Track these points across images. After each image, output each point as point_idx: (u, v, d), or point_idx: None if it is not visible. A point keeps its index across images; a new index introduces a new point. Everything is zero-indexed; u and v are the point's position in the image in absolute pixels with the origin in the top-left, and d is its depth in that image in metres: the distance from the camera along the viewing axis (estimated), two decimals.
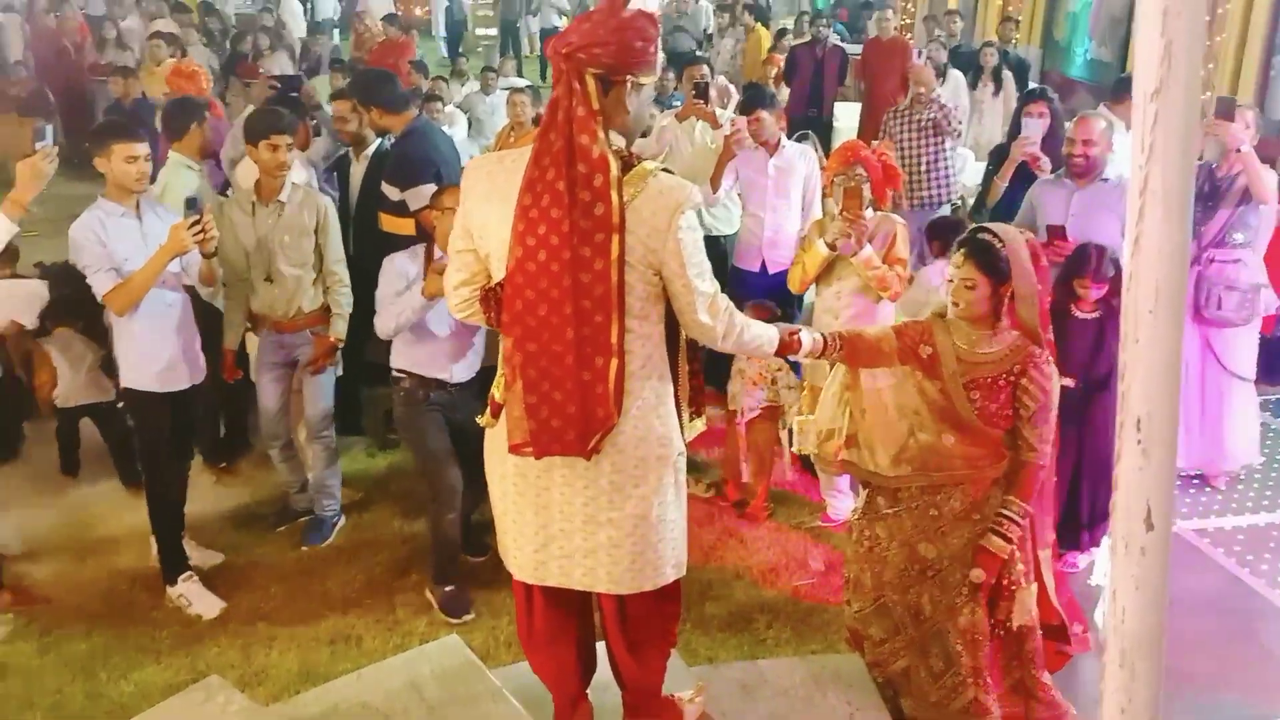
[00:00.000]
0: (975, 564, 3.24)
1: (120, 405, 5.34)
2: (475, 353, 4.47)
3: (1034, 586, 3.26)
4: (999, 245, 3.16)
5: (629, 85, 2.51)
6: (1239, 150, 4.79)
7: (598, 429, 2.53)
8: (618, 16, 2.45)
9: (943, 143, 6.97)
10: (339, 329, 4.79)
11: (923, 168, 6.97)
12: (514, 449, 2.60)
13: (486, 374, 4.62)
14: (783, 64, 10.44)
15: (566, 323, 2.47)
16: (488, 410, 2.73)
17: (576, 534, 2.69)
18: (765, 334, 2.88)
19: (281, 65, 10.64)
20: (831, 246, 4.46)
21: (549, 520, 2.69)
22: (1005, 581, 3.30)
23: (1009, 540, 3.19)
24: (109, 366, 5.31)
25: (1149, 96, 1.14)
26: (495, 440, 2.74)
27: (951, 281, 3.24)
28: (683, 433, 2.79)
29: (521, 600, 2.91)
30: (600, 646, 3.05)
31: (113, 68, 10.54)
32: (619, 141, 2.56)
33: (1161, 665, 1.26)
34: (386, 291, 4.30)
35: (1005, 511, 3.19)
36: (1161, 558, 1.23)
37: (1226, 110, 4.82)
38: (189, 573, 4.48)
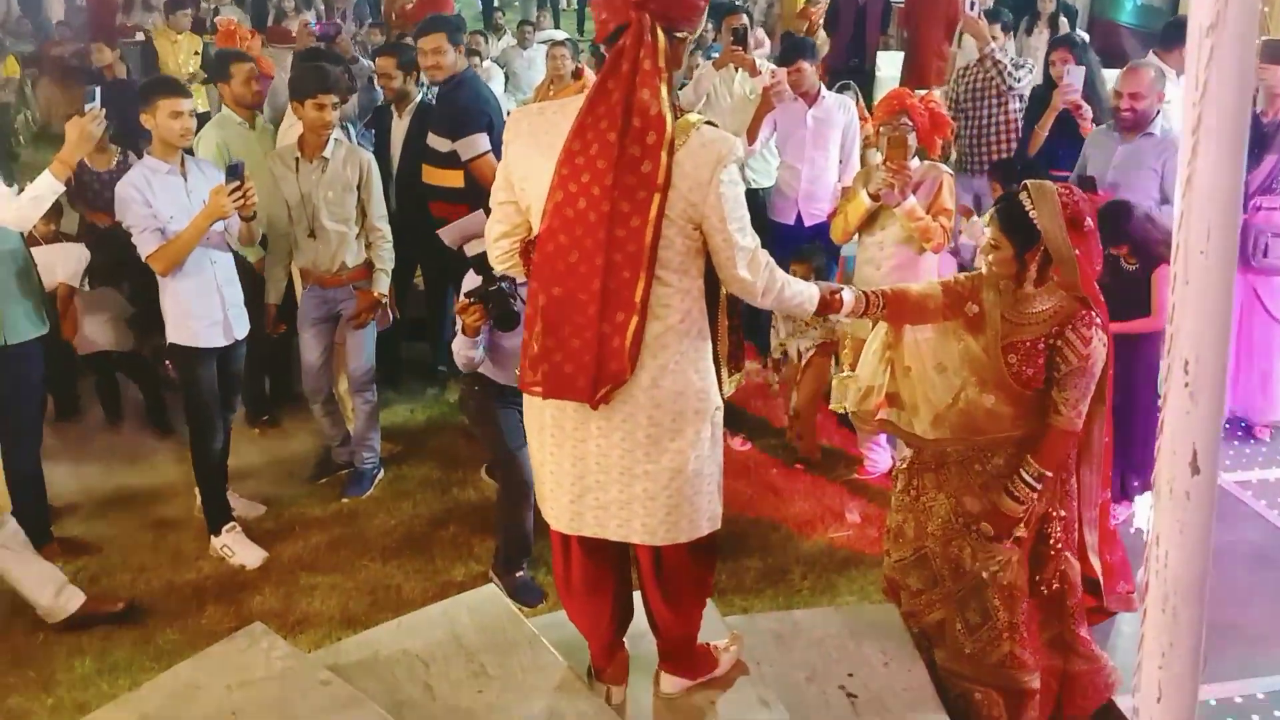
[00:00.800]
0: (986, 520, 3.22)
1: (147, 357, 5.45)
2: None
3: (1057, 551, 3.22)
4: (1028, 207, 3.09)
5: (685, 40, 2.51)
6: None
7: (608, 381, 2.52)
8: None
9: (1005, 99, 6.43)
10: (382, 284, 4.82)
11: (991, 128, 6.48)
12: (524, 386, 2.62)
13: None
14: (823, 13, 10.25)
15: (595, 273, 2.46)
16: (524, 361, 2.73)
17: (613, 485, 2.69)
18: (806, 291, 2.85)
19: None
20: (874, 197, 4.41)
21: (585, 471, 2.70)
22: (1050, 542, 3.27)
23: (1020, 501, 3.14)
24: (140, 322, 5.40)
25: (1204, 31, 1.10)
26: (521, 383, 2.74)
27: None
28: (721, 388, 2.77)
29: (559, 549, 2.92)
30: (637, 596, 3.06)
31: (136, 29, 10.52)
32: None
33: (1204, 611, 1.24)
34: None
35: (1021, 472, 3.14)
36: (1206, 502, 1.21)
37: (1274, 54, 4.69)
38: (233, 523, 4.57)
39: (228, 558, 4.49)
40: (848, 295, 3.06)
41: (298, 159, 4.65)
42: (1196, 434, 1.18)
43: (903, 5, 10.45)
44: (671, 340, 2.57)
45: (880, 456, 5.05)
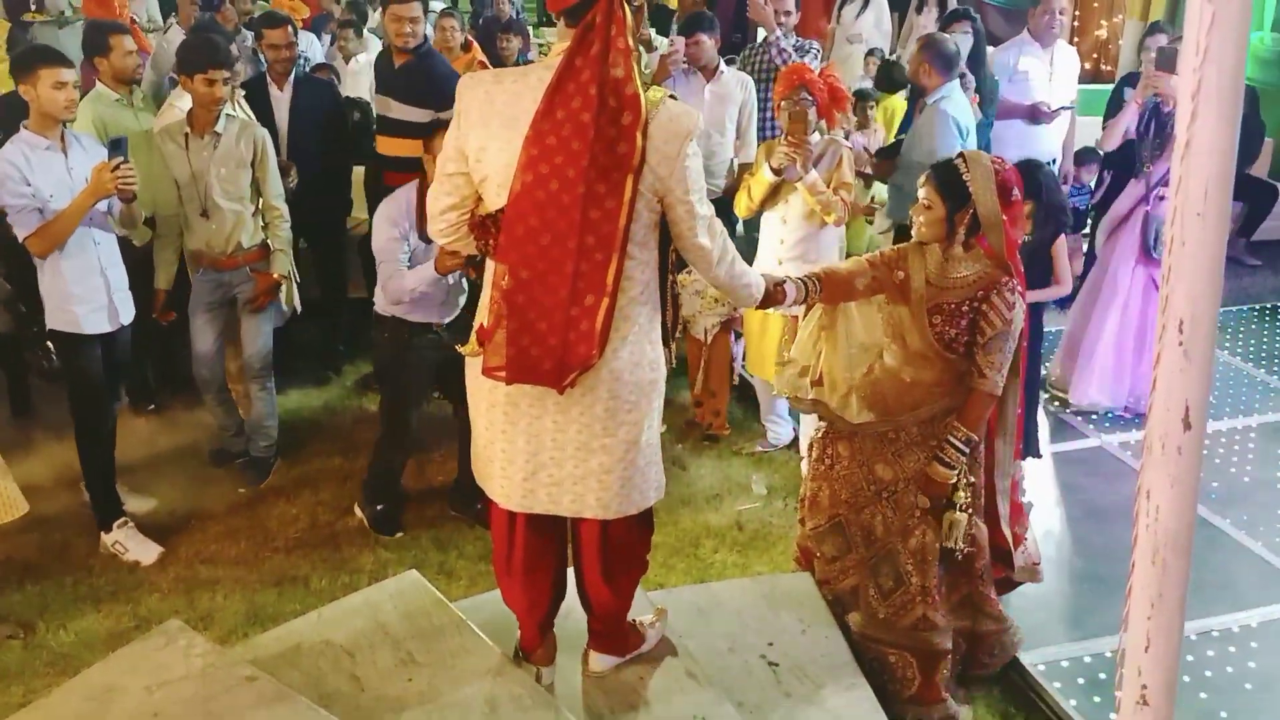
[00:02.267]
0: (919, 489, 3.31)
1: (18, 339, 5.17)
2: (461, 292, 4.39)
3: (965, 515, 3.30)
4: (962, 171, 3.19)
5: (641, 9, 2.49)
6: (1170, 109, 4.84)
7: (575, 365, 2.50)
8: None
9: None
10: (280, 265, 4.66)
11: (770, 111, 6.58)
12: (487, 372, 2.56)
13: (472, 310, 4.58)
14: None
15: (568, 256, 2.43)
16: (474, 337, 2.67)
17: (568, 461, 2.68)
18: (754, 276, 2.90)
19: None
20: (776, 171, 4.44)
21: (540, 448, 2.68)
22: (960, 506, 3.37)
23: (951, 467, 3.24)
24: (16, 304, 5.09)
25: None
26: (481, 367, 2.69)
27: (917, 200, 3.29)
28: (669, 357, 2.79)
29: (503, 528, 2.89)
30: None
31: None
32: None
33: (1189, 562, 1.29)
34: (385, 256, 4.12)
35: (950, 438, 3.23)
36: (1195, 457, 1.26)
37: (1168, 62, 4.84)
38: (123, 519, 4.38)
39: (120, 555, 4.29)
40: (790, 288, 3.14)
41: (187, 135, 4.43)
42: (1190, 391, 1.23)
43: None
44: (632, 312, 2.57)
45: (782, 428, 5.13)
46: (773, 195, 4.57)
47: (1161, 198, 5.11)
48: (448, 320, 4.36)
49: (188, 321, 4.72)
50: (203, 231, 4.52)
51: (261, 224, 4.63)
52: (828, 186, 4.46)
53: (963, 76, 5.01)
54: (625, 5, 2.40)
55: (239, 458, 4.96)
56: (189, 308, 4.67)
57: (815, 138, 4.46)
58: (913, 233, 3.35)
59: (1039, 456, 4.70)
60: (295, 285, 5.09)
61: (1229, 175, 1.18)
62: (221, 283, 4.63)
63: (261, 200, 4.60)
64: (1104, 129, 5.50)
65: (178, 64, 4.49)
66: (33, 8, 9.33)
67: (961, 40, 5.19)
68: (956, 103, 4.91)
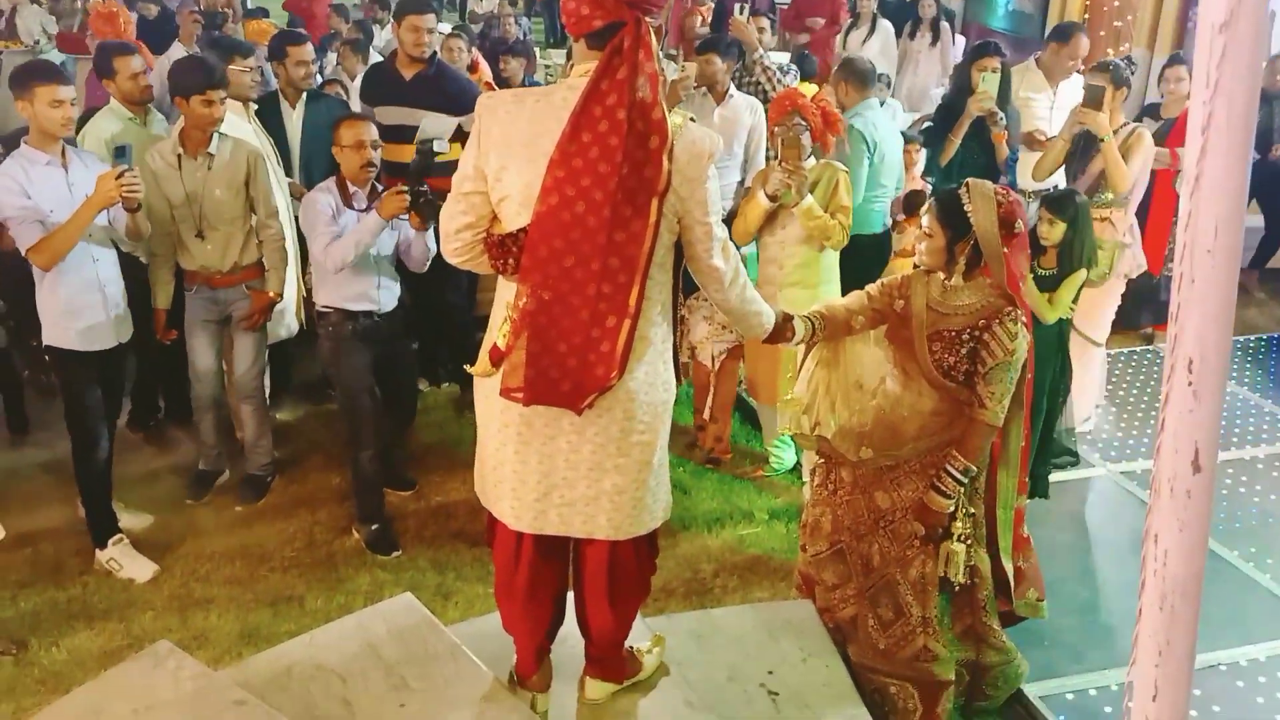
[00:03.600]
0: (915, 518, 3.27)
1: (11, 353, 5.17)
2: (395, 280, 4.46)
3: (963, 546, 3.25)
4: (965, 201, 3.17)
5: (659, 29, 2.48)
6: (1102, 141, 4.89)
7: (594, 388, 2.49)
8: None
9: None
10: (275, 283, 4.64)
11: None
12: (505, 393, 2.54)
13: (414, 306, 4.61)
14: (710, 13, 10.31)
15: (591, 278, 2.42)
16: (485, 357, 2.64)
17: (580, 482, 2.66)
18: (764, 305, 2.91)
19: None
20: (772, 197, 4.42)
21: (553, 469, 2.65)
22: (958, 537, 3.32)
23: (948, 496, 3.20)
24: (11, 320, 5.10)
25: (1216, 29, 1.10)
26: (494, 388, 2.66)
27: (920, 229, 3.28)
28: (678, 376, 2.79)
29: (509, 550, 2.85)
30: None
31: None
32: None
33: (1198, 609, 1.26)
34: (319, 226, 4.20)
35: (948, 467, 3.19)
36: (1205, 500, 1.22)
37: (1095, 99, 4.90)
38: (119, 535, 4.34)
39: (115, 571, 4.25)
40: (798, 325, 3.16)
41: (180, 155, 4.39)
42: (1199, 432, 1.19)
43: (787, 7, 10.61)
44: (649, 333, 2.57)
45: (785, 453, 5.09)
46: (769, 221, 4.55)
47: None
48: (387, 310, 4.43)
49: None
50: (199, 252, 4.49)
51: (256, 241, 4.60)
52: (825, 210, 4.43)
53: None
54: (648, 29, 2.39)
55: (216, 476, 4.92)
56: (185, 325, 4.64)
57: (810, 162, 4.44)
58: (914, 260, 3.33)
59: (1045, 497, 4.65)
60: (302, 302, 5.09)
61: (1240, 211, 1.15)
62: (217, 300, 4.60)
63: (256, 218, 4.57)
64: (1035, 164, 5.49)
65: (172, 85, 4.42)
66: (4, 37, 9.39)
67: (991, 79, 5.17)
68: (869, 120, 5.03)
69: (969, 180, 3.24)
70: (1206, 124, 1.12)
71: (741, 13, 7.20)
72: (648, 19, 2.41)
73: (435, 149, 4.31)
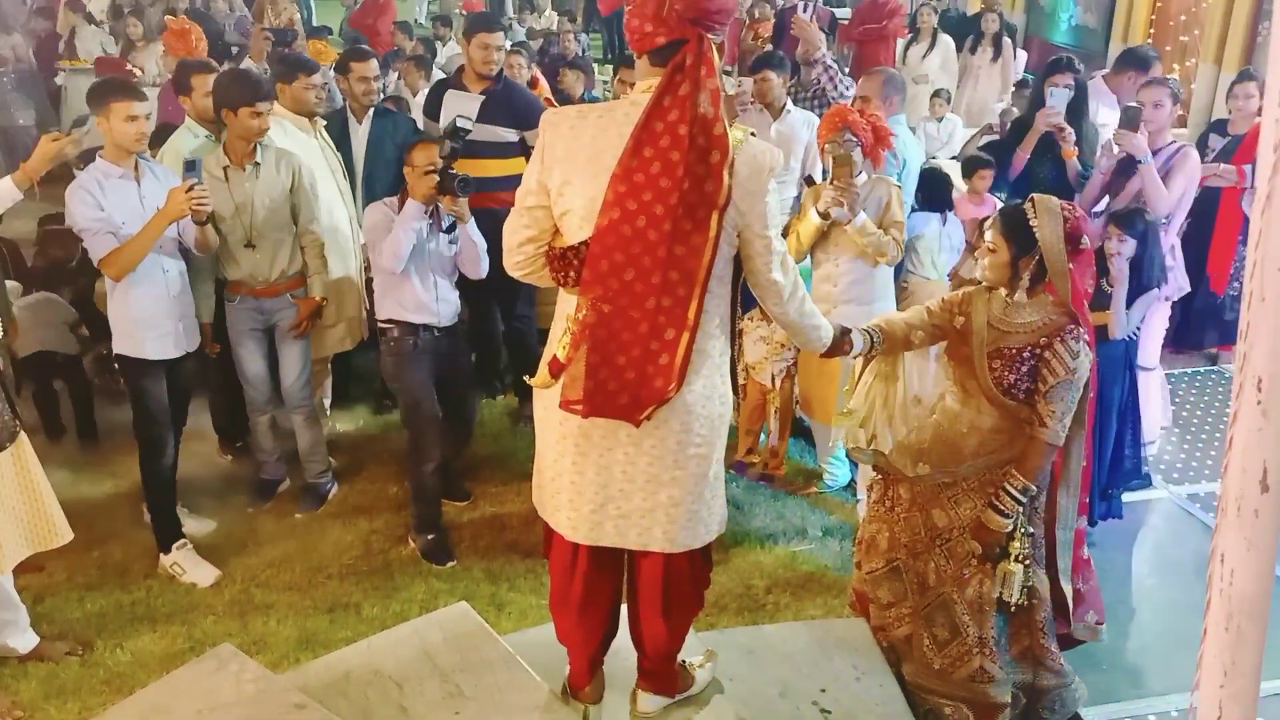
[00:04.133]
0: (973, 536, 3.24)
1: (82, 361, 5.28)
2: (454, 294, 4.52)
3: (1021, 566, 3.22)
4: (1030, 216, 3.15)
5: (721, 46, 2.50)
6: (1140, 163, 4.78)
7: (652, 400, 2.51)
8: None
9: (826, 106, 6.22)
10: (318, 288, 4.72)
11: None
12: (564, 404, 2.56)
13: (472, 318, 4.68)
14: (770, 28, 10.33)
15: (651, 291, 2.45)
16: (545, 369, 2.67)
17: (637, 494, 2.68)
18: (823, 319, 2.91)
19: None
20: (824, 215, 4.41)
21: (609, 480, 2.67)
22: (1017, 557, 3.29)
23: (1006, 515, 3.17)
24: (83, 327, 5.23)
25: None
26: (553, 399, 2.69)
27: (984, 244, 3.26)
28: (735, 390, 2.80)
29: (565, 561, 2.88)
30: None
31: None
32: None
33: (1265, 629, 1.24)
34: (378, 233, 4.30)
35: (1006, 485, 3.17)
36: (1274, 520, 1.21)
37: (1131, 120, 4.83)
38: (183, 540, 4.43)
39: (178, 576, 4.35)
40: (857, 338, 3.15)
41: (226, 168, 4.47)
42: (1268, 451, 1.18)
43: (847, 22, 10.58)
44: (707, 346, 2.58)
45: (839, 470, 5.07)
46: (823, 238, 4.54)
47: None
48: (448, 325, 4.49)
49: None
50: (248, 262, 4.56)
51: (300, 248, 4.67)
52: (878, 226, 4.42)
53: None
54: (710, 45, 2.41)
55: (278, 483, 5.01)
56: (230, 337, 4.69)
57: (862, 178, 4.43)
58: (977, 274, 3.31)
59: (1119, 518, 4.58)
60: (365, 314, 5.16)
61: None
62: (263, 310, 4.66)
63: (298, 226, 4.64)
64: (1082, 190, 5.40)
65: (220, 97, 4.47)
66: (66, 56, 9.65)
67: (1059, 94, 5.13)
68: (897, 135, 4.96)
69: (1034, 195, 3.22)
70: (1279, 141, 1.11)
71: (805, 10, 7.17)
72: (710, 35, 2.43)
73: (461, 127, 4.38)
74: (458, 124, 4.48)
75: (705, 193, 2.41)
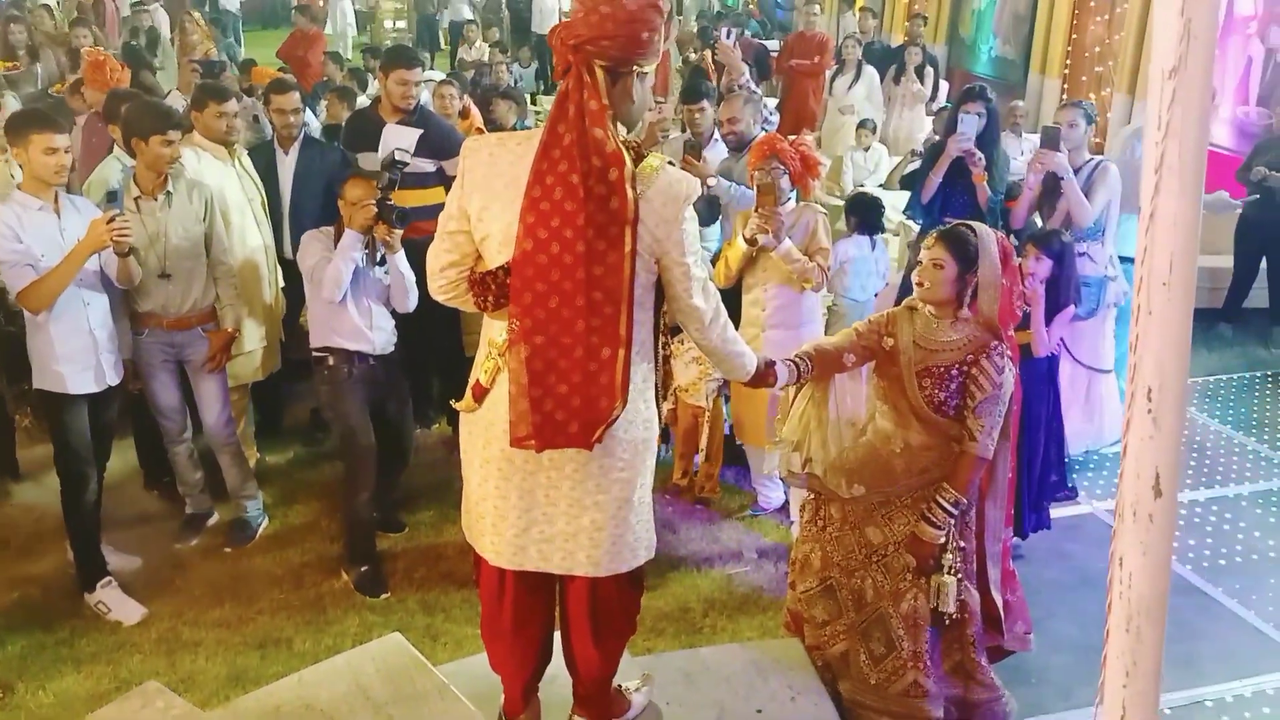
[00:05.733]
0: (907, 550, 3.30)
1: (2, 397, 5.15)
2: (390, 322, 4.50)
3: (954, 578, 3.29)
4: (972, 235, 3.27)
5: (635, 75, 2.51)
6: (1062, 179, 5.10)
7: (601, 420, 2.51)
8: (626, 9, 2.42)
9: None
10: (230, 319, 4.65)
11: None
12: (516, 442, 2.55)
13: (406, 352, 4.65)
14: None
15: (578, 315, 2.46)
16: (468, 394, 2.68)
17: (560, 518, 2.68)
18: (746, 347, 2.94)
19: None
20: (751, 242, 4.48)
21: (533, 504, 2.68)
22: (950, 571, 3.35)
23: (938, 527, 3.24)
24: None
25: (1166, 74, 1.16)
26: (477, 425, 2.69)
27: (921, 263, 3.32)
28: (660, 416, 2.80)
29: (493, 587, 2.87)
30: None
31: None
32: (622, 131, 2.57)
33: (1163, 630, 1.29)
34: (316, 263, 4.29)
35: (939, 499, 3.24)
36: (1168, 524, 1.26)
37: (1052, 140, 5.13)
38: (108, 578, 4.34)
39: (103, 614, 4.25)
40: (781, 370, 3.17)
41: (138, 198, 4.38)
42: (1159, 458, 1.23)
43: (778, 54, 10.78)
44: (630, 371, 2.57)
45: (772, 491, 5.11)
46: (751, 264, 4.60)
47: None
48: (383, 353, 4.48)
49: None
50: (160, 294, 4.45)
51: (214, 280, 4.60)
52: (804, 253, 4.49)
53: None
54: (595, 71, 2.44)
55: (206, 517, 4.92)
56: (141, 370, 4.56)
57: (790, 205, 4.50)
58: (914, 295, 3.38)
59: (1048, 528, 4.69)
60: (278, 344, 5.11)
61: (1194, 246, 1.20)
62: (173, 343, 4.55)
63: (210, 257, 4.57)
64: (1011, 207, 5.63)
65: (130, 127, 4.40)
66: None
67: (970, 120, 5.29)
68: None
69: (967, 222, 3.34)
70: (1159, 164, 1.17)
71: (728, 37, 7.32)
72: (599, 62, 2.44)
73: (398, 160, 4.40)
74: (396, 157, 4.47)
75: (612, 210, 2.43)
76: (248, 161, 5.16)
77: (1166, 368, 1.21)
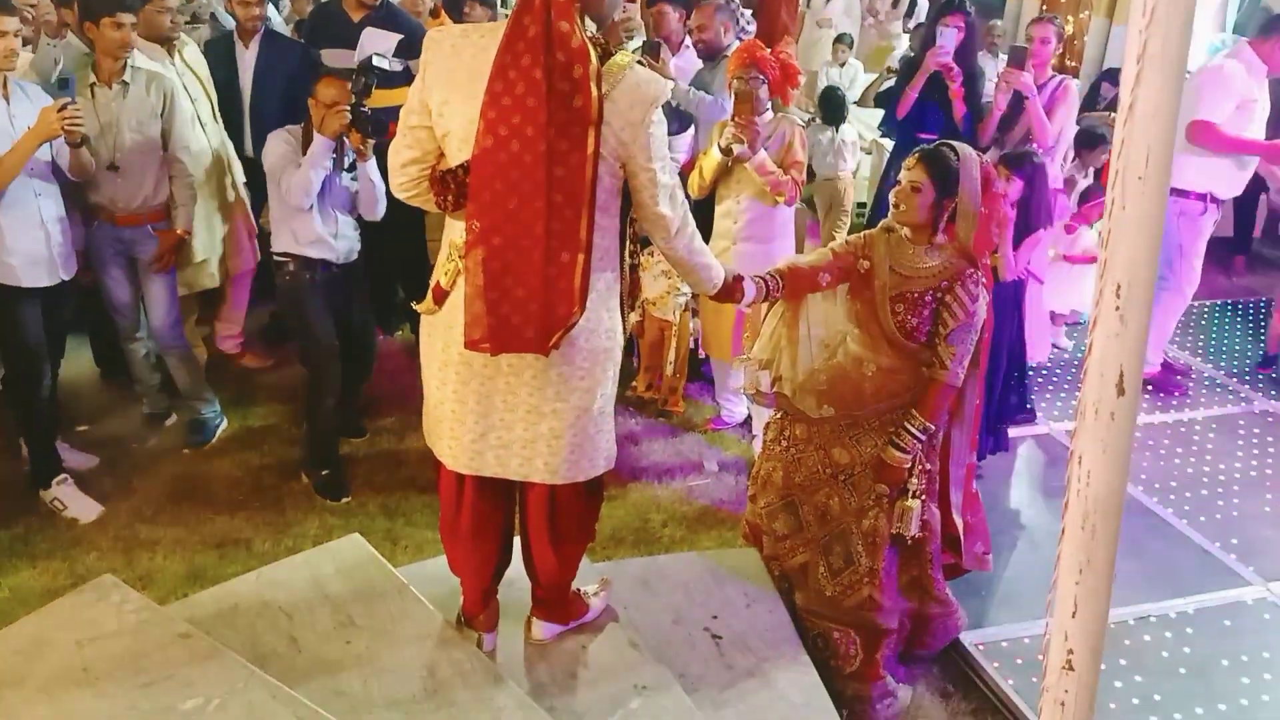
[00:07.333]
0: (874, 474, 3.32)
1: None
2: (355, 230, 4.42)
3: (918, 502, 3.31)
4: (954, 159, 3.19)
5: None
6: (1027, 99, 5.15)
7: (558, 326, 2.47)
8: None
9: None
10: (182, 220, 4.51)
11: None
12: (470, 345, 2.51)
13: (370, 258, 4.58)
14: None
15: (537, 217, 2.39)
16: (429, 296, 2.64)
17: (518, 424, 2.66)
18: (713, 259, 2.87)
19: None
20: (725, 151, 4.40)
21: (490, 409, 2.65)
22: (914, 491, 3.37)
23: (905, 452, 3.25)
24: None
25: None
26: (436, 328, 2.65)
27: (900, 184, 3.26)
28: (625, 326, 2.77)
29: (451, 490, 2.86)
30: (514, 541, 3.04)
31: None
32: (591, 28, 2.48)
33: (1119, 529, 1.30)
34: (281, 165, 4.17)
35: (906, 424, 3.24)
36: (1128, 422, 1.26)
37: (1019, 59, 5.17)
38: (63, 475, 4.29)
39: (59, 511, 4.22)
40: (749, 286, 3.10)
41: (93, 85, 4.24)
42: (1124, 356, 1.23)
43: None
44: (593, 279, 2.53)
45: (736, 407, 5.13)
46: (725, 175, 4.53)
47: None
48: (346, 261, 4.39)
49: None
50: (109, 186, 4.33)
51: (168, 178, 4.47)
52: (779, 165, 4.43)
53: None
54: None
55: (165, 419, 4.88)
56: (93, 263, 4.47)
57: (767, 116, 4.43)
58: (890, 216, 3.33)
59: (1006, 450, 4.74)
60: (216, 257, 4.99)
61: (1171, 139, 1.17)
62: (122, 239, 4.44)
63: (166, 152, 4.44)
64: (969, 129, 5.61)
65: (82, 9, 4.25)
66: None
67: (948, 34, 5.21)
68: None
69: (951, 142, 3.26)
70: (1142, 53, 1.14)
71: None
72: None
73: (376, 65, 4.27)
74: (374, 61, 4.33)
75: (575, 108, 2.35)
76: (195, 58, 4.98)
77: (1137, 265, 1.20)
